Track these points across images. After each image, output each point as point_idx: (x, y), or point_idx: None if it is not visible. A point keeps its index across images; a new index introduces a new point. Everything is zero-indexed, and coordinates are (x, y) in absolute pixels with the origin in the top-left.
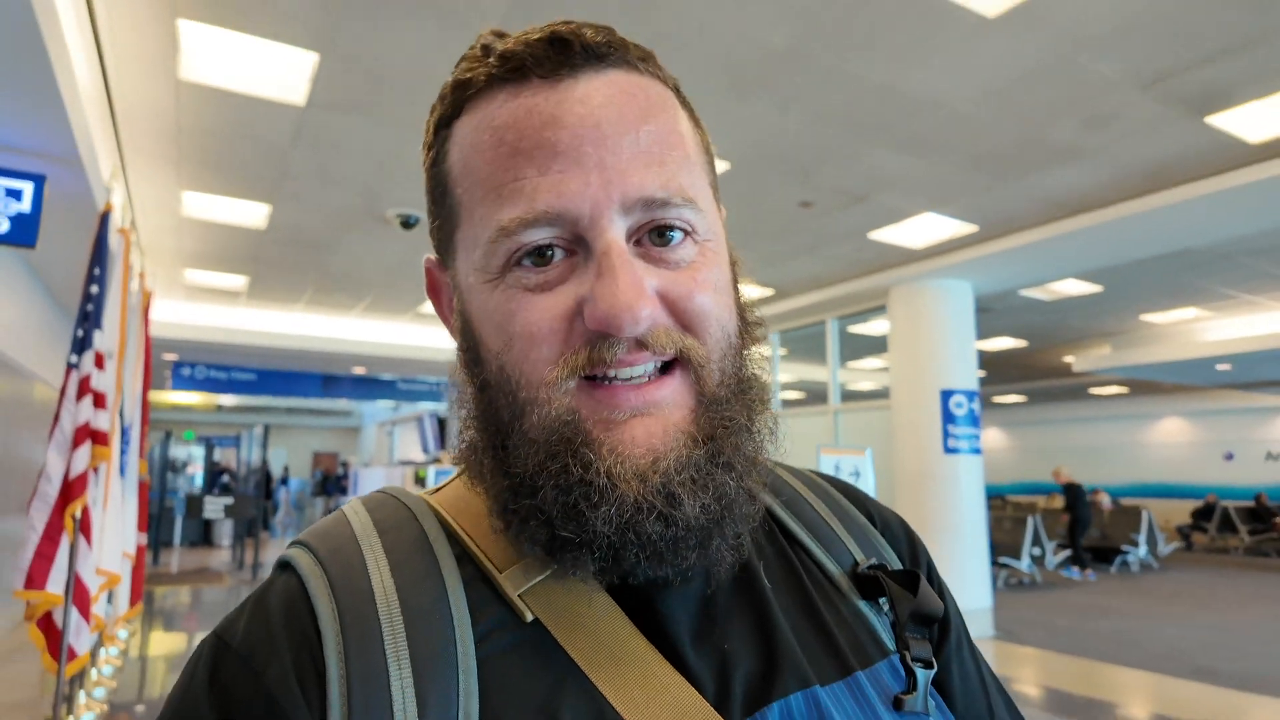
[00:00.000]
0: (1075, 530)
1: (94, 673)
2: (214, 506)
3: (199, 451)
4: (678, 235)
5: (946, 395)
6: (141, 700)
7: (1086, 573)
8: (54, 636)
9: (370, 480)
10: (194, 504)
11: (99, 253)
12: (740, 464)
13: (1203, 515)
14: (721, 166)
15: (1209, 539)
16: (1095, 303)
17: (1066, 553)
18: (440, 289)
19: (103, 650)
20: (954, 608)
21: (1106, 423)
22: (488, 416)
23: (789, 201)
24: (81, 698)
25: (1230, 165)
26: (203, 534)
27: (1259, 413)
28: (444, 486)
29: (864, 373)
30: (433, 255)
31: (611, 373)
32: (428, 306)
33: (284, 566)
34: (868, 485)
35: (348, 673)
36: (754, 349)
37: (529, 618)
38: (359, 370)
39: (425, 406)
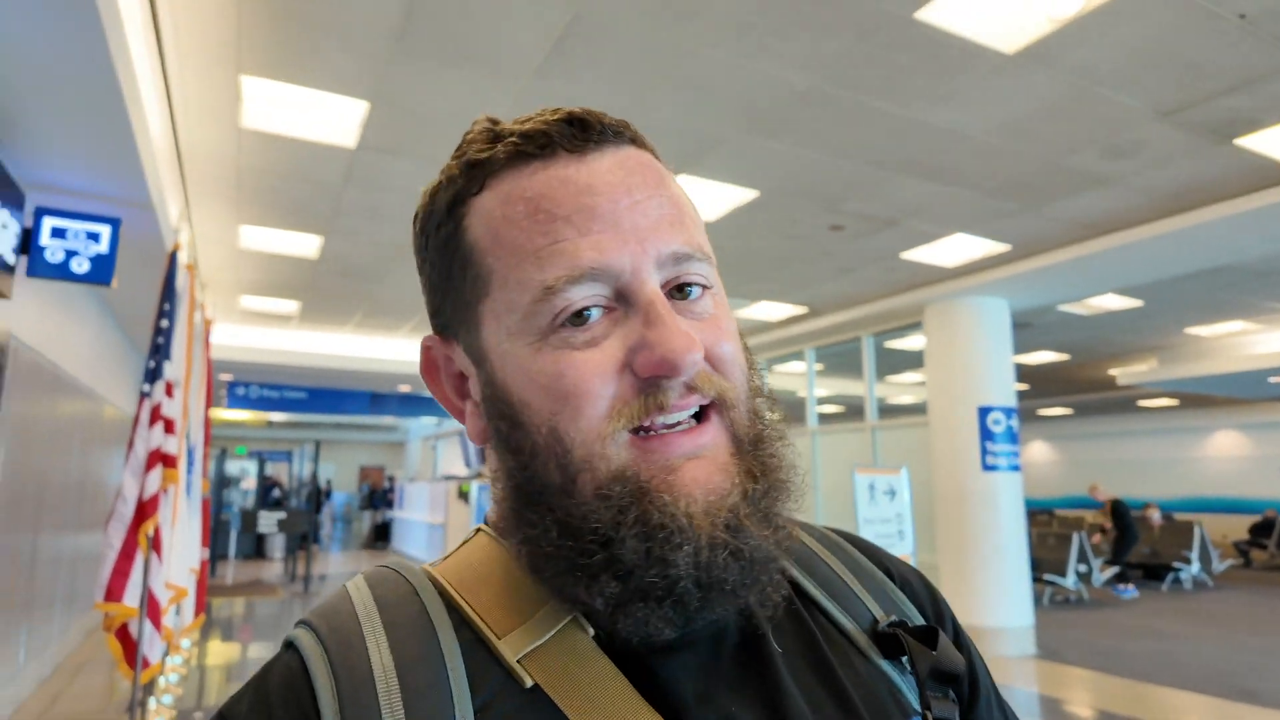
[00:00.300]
0: (1123, 546)
1: (161, 680)
2: (268, 521)
3: (251, 466)
4: (697, 289)
5: (984, 412)
6: (203, 706)
7: (1129, 585)
8: (130, 646)
9: (415, 495)
10: (248, 519)
11: (168, 290)
12: (785, 497)
13: (1261, 531)
14: (750, 195)
15: (1269, 556)
16: (1136, 317)
17: (1114, 569)
18: (438, 367)
19: (168, 659)
20: (981, 665)
21: (1157, 436)
22: (534, 482)
23: (818, 227)
24: (152, 704)
25: (1264, 184)
26: (256, 547)
27: None
28: (449, 556)
29: (904, 386)
30: (430, 336)
31: (659, 420)
32: None
33: (289, 646)
34: (903, 503)
35: None
36: (762, 393)
37: (528, 684)
38: (404, 388)
39: None
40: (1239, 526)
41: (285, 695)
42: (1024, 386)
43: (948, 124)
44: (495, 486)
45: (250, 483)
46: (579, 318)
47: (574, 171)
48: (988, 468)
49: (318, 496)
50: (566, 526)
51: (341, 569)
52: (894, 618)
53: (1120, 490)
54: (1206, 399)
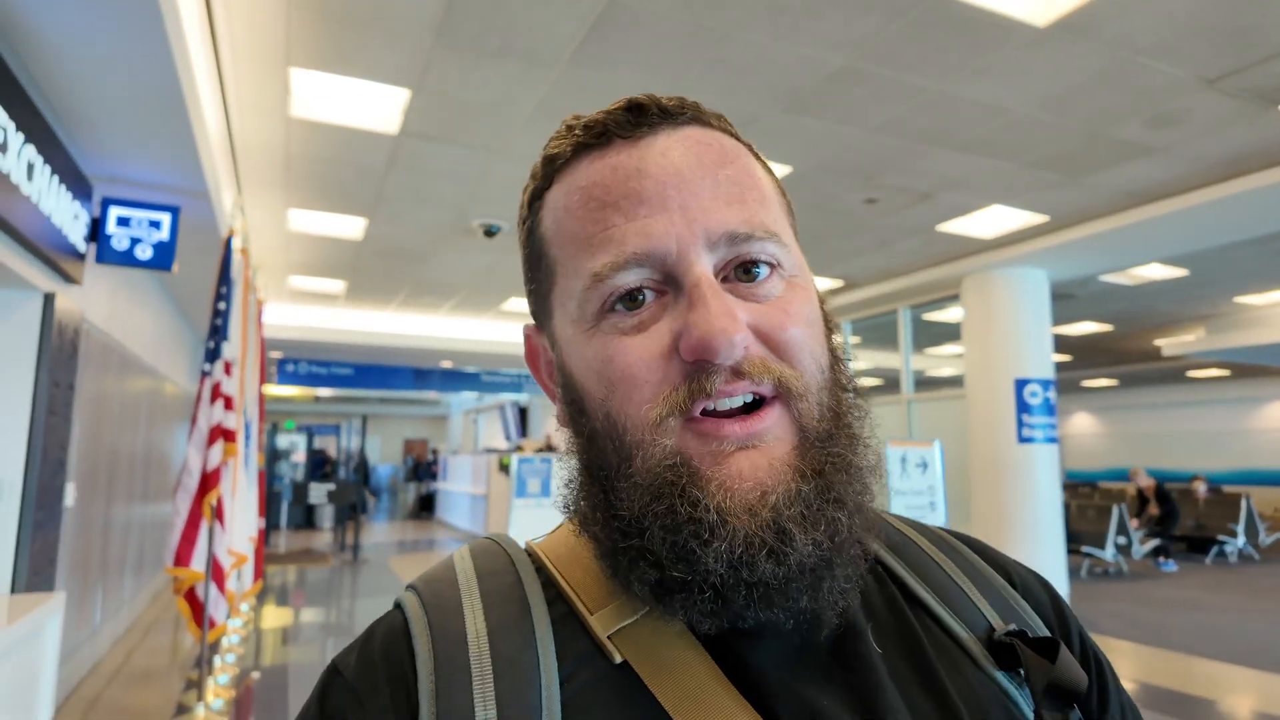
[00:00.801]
0: (1169, 526)
1: (224, 640)
2: (318, 492)
3: (300, 440)
4: (764, 270)
5: (1021, 384)
6: (261, 665)
7: (1169, 558)
8: (197, 607)
9: (457, 467)
10: (299, 490)
11: (225, 274)
12: (851, 501)
13: None
14: (782, 170)
15: None
16: (1182, 286)
17: (1154, 543)
18: (538, 354)
19: (230, 621)
20: (1112, 676)
21: (1207, 407)
22: (595, 465)
23: (854, 200)
24: (216, 661)
25: None
26: (306, 517)
27: None
28: (550, 534)
29: (943, 359)
30: (529, 324)
31: (712, 405)
32: (510, 305)
33: (397, 607)
34: (935, 476)
35: (437, 712)
36: (848, 388)
37: (618, 659)
38: (446, 364)
39: (506, 397)
40: None
41: (387, 652)
42: (1066, 358)
43: (985, 98)
44: (568, 465)
45: (300, 456)
46: (632, 301)
47: (625, 158)
48: (1024, 440)
49: (364, 469)
50: (613, 509)
51: (388, 538)
52: (1012, 626)
53: (1169, 463)
54: (1260, 369)
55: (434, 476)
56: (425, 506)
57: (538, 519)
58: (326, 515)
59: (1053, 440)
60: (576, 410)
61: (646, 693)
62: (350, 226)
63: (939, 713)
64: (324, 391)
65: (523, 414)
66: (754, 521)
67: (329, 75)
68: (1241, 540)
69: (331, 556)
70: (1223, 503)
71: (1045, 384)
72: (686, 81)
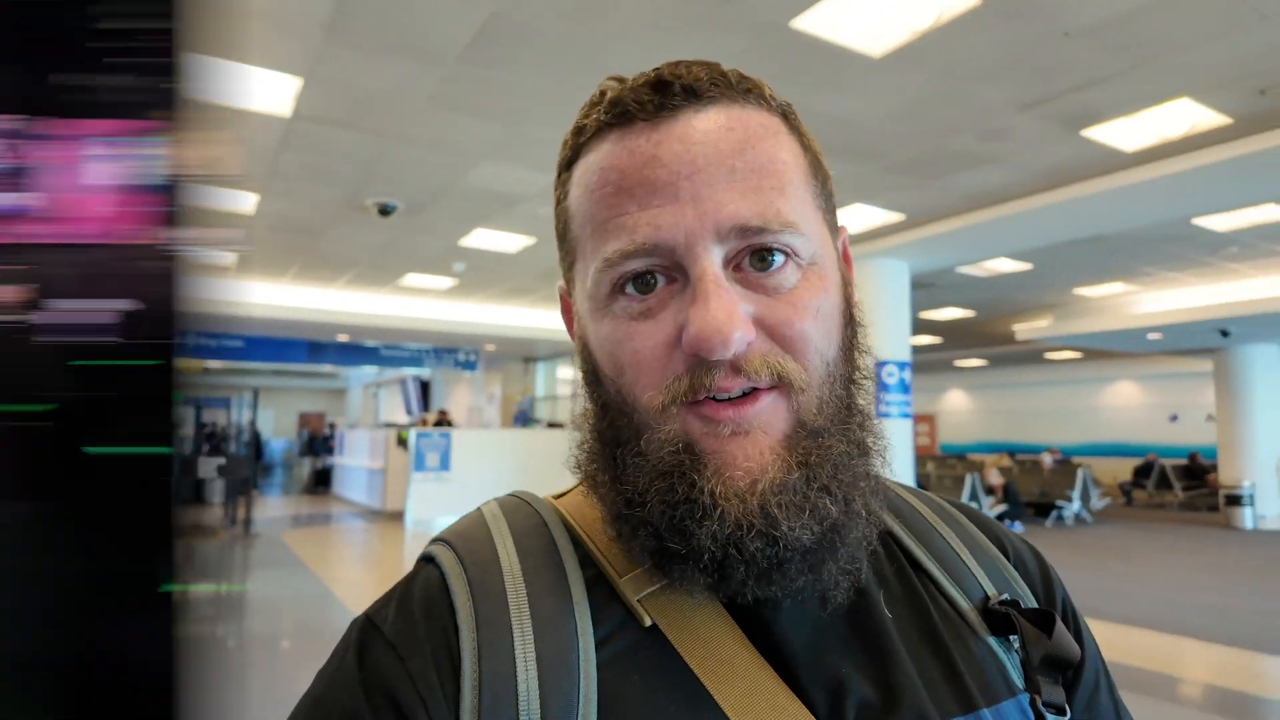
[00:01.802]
0: (1009, 512)
1: None
2: (207, 467)
3: (188, 412)
4: (779, 259)
5: (879, 365)
6: None
7: (1016, 521)
8: None
9: (355, 441)
10: (188, 465)
11: None
12: (840, 489)
13: (1143, 473)
14: None
15: (1148, 495)
16: (1028, 279)
17: (1002, 507)
18: (570, 312)
19: None
20: (1093, 648)
21: (1063, 386)
22: (607, 433)
23: None
24: None
25: (1114, 168)
26: (195, 492)
27: (1201, 377)
28: (569, 491)
29: None
30: (561, 284)
31: (712, 394)
32: (409, 280)
33: (428, 560)
34: None
35: (479, 670)
36: (861, 376)
37: (647, 622)
38: (343, 338)
39: (408, 370)
40: (1129, 469)
41: (427, 607)
42: (937, 340)
43: (838, 112)
44: (580, 429)
45: (187, 429)
46: (644, 284)
47: (644, 141)
48: (880, 415)
49: (257, 443)
50: (618, 478)
51: (282, 512)
52: (1006, 596)
53: (1029, 436)
54: (1105, 353)
55: (330, 451)
56: (321, 481)
57: (437, 493)
58: (216, 490)
59: (907, 416)
60: (593, 378)
61: (677, 656)
62: (241, 201)
63: (945, 676)
64: (212, 363)
65: (424, 388)
66: (743, 507)
67: (217, 60)
68: (1077, 505)
69: (222, 531)
70: (1065, 472)
71: (901, 365)
72: (572, 84)
